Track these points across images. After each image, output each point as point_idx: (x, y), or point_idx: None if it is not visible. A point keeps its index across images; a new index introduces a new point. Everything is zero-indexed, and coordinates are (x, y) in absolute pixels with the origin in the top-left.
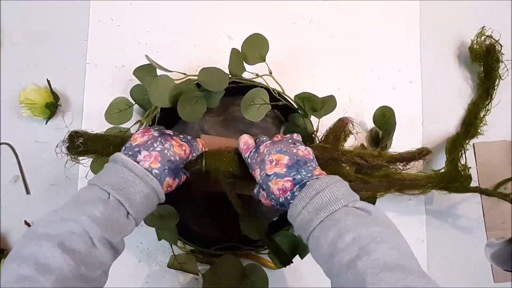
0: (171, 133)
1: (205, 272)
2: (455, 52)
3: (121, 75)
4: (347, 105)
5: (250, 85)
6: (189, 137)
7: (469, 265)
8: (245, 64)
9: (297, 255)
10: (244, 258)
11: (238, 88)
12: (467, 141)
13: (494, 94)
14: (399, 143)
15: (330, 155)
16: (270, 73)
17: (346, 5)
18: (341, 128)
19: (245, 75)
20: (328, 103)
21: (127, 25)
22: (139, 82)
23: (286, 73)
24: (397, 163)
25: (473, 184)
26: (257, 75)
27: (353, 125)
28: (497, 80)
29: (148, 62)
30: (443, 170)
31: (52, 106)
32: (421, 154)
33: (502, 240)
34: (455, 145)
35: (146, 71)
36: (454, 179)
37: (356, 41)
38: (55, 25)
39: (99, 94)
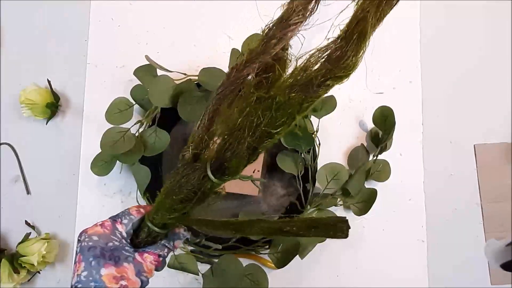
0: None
1: (205, 272)
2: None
3: (122, 75)
4: (347, 105)
5: None
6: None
7: (469, 265)
8: None
9: (297, 255)
10: (244, 258)
11: None
12: None
13: None
14: (399, 143)
15: None
16: None
17: (346, 4)
18: None
19: None
20: (328, 103)
21: (128, 25)
22: (139, 82)
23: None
24: None
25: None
26: None
27: None
28: None
29: (148, 63)
30: None
31: (53, 106)
32: None
33: (502, 240)
34: None
35: (146, 71)
36: None
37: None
38: (55, 25)
39: (99, 94)
